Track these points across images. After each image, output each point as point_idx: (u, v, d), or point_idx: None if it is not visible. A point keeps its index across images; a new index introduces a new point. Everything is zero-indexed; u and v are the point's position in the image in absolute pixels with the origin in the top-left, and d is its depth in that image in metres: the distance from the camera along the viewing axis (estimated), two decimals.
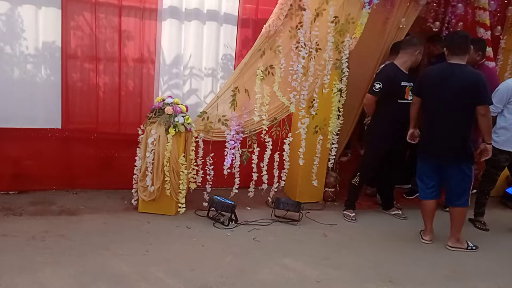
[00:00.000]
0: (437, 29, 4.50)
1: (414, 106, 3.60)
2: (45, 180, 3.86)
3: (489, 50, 4.25)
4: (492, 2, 4.37)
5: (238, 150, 3.78)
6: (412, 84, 3.75)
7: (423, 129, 3.59)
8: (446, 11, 4.48)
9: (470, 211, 3.99)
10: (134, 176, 3.67)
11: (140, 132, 3.65)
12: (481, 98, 3.30)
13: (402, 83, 3.76)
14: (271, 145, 3.83)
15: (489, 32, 4.35)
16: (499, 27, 4.55)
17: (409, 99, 3.72)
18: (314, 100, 3.89)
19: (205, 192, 3.81)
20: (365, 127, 4.27)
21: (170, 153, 3.51)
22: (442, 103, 3.36)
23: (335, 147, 4.09)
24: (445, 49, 3.46)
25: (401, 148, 3.99)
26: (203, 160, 3.78)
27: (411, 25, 4.33)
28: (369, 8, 3.80)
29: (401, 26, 4.24)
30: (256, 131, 3.81)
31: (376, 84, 3.75)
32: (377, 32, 4.27)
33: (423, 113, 3.57)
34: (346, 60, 3.87)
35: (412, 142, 3.69)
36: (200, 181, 3.84)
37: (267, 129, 3.78)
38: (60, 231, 3.22)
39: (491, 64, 4.29)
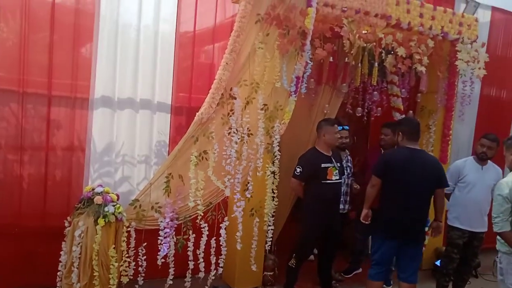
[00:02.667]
0: (359, 114, 4.92)
1: (375, 188, 3.68)
2: None
3: None
4: (403, 90, 4.91)
5: (173, 237, 3.68)
6: (334, 165, 3.98)
7: (385, 210, 3.63)
8: (364, 98, 4.94)
9: None
10: (58, 273, 3.39)
11: (66, 224, 3.45)
12: (443, 182, 3.65)
13: (323, 165, 3.97)
14: (207, 230, 3.75)
15: (403, 116, 4.81)
16: (411, 112, 5.06)
17: (333, 179, 3.93)
18: (248, 183, 3.95)
19: (137, 286, 3.58)
20: None
21: (99, 245, 3.31)
22: (409, 185, 3.52)
23: (271, 229, 4.10)
24: (400, 134, 3.70)
25: (336, 228, 4.09)
26: (135, 251, 3.60)
27: (337, 110, 4.71)
28: (295, 96, 4.08)
29: (325, 111, 4.59)
30: (191, 217, 3.75)
31: (297, 168, 3.97)
32: (304, 117, 4.56)
33: (384, 194, 3.67)
34: (277, 144, 4.05)
35: (365, 222, 3.78)
36: (131, 274, 3.62)
37: (202, 214, 3.72)
38: None
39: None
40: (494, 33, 5.70)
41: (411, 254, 3.58)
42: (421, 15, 4.48)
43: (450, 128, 5.13)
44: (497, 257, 3.28)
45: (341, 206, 4.40)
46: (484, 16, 5.54)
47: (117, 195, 3.58)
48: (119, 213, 3.46)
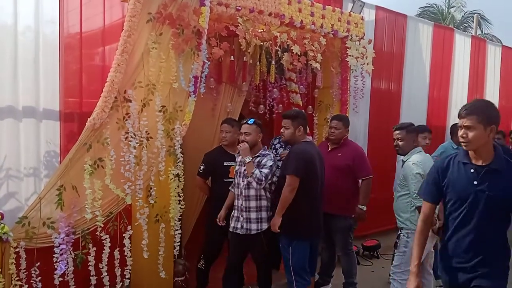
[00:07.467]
0: (262, 112, 5.01)
1: (294, 191, 3.42)
2: None
3: None
4: (301, 86, 5.11)
5: (71, 253, 3.42)
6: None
7: (303, 210, 3.49)
8: (265, 95, 5.05)
9: None
10: None
11: None
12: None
13: (225, 163, 3.99)
14: (109, 242, 3.56)
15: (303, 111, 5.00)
16: (310, 107, 5.28)
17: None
18: (151, 188, 3.82)
19: None
20: None
21: None
22: (320, 179, 3.62)
23: (179, 233, 4.01)
24: (301, 127, 3.66)
25: None
26: (27, 273, 3.29)
27: (241, 108, 4.73)
28: (194, 97, 4.01)
29: (228, 110, 4.60)
30: (90, 230, 3.52)
31: (201, 166, 4.01)
32: (207, 117, 4.53)
33: (303, 193, 3.47)
34: (180, 146, 3.96)
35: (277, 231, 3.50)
36: None
37: (102, 225, 3.52)
38: None
39: (310, 138, 4.87)
40: (379, 31, 6.17)
41: (316, 250, 3.72)
42: (312, 14, 4.69)
43: None
44: (401, 232, 3.64)
45: None
46: (369, 15, 5.96)
47: (1, 214, 3.24)
48: (4, 233, 3.13)
